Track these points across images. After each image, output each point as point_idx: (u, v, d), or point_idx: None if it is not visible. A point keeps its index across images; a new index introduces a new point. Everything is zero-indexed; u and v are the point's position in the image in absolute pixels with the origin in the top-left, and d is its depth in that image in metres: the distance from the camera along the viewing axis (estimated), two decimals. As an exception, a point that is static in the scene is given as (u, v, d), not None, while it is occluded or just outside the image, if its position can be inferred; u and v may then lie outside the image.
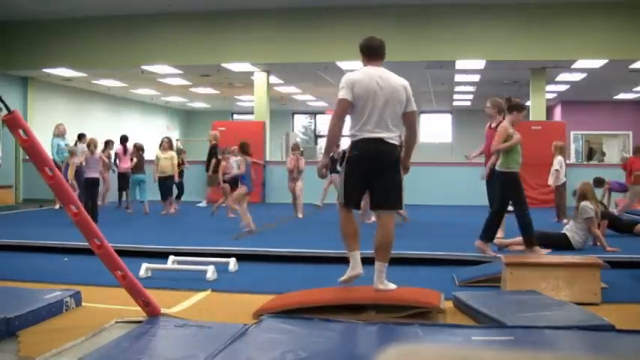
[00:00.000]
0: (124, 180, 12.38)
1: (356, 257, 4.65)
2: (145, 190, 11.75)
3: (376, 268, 4.53)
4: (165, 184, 11.34)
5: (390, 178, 4.54)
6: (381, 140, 4.46)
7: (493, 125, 8.26)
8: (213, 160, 12.24)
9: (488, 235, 6.53)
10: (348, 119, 4.64)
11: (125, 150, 12.55)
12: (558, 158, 10.01)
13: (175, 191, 12.10)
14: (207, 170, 12.57)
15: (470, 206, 8.64)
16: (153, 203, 11.49)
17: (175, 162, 11.52)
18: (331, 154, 5.00)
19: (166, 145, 11.57)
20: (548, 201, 11.39)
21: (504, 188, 6.55)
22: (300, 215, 10.70)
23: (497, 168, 6.63)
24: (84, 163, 10.16)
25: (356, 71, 4.66)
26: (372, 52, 4.71)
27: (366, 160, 4.47)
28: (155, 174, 11.35)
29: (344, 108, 4.48)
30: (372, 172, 4.49)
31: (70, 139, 13.01)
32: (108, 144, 12.90)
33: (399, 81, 4.64)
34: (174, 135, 25.05)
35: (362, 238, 4.79)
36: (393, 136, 4.51)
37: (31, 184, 14.45)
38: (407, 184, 13.44)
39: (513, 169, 6.51)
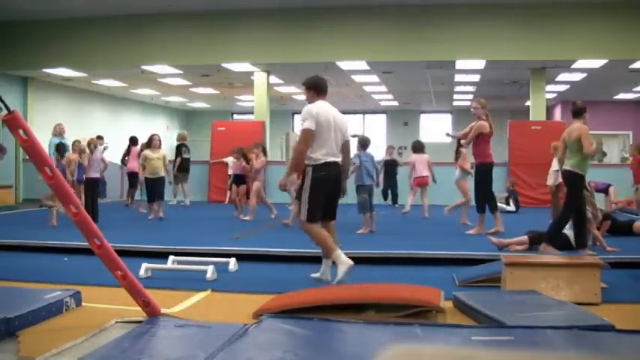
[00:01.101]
0: (133, 179, 12.52)
1: (341, 255, 5.28)
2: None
3: (327, 264, 5.44)
4: (157, 185, 10.57)
5: (339, 194, 5.55)
6: (338, 163, 5.42)
7: None
8: (178, 159, 12.96)
9: (582, 242, 6.54)
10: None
11: (130, 150, 12.85)
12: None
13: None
14: (173, 168, 12.79)
15: (470, 206, 8.65)
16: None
17: (167, 161, 10.91)
18: None
19: (157, 143, 10.83)
20: (548, 201, 11.38)
21: (578, 188, 6.60)
22: (248, 218, 10.21)
23: (572, 169, 6.57)
24: (85, 163, 10.14)
25: (315, 104, 5.44)
26: (320, 90, 5.57)
27: (331, 180, 5.36)
28: (141, 174, 10.77)
29: (310, 135, 5.28)
30: (333, 190, 5.42)
31: (70, 139, 13.01)
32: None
33: (343, 116, 5.64)
34: (174, 135, 25.08)
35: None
36: (341, 159, 5.50)
37: (31, 184, 14.45)
38: (407, 184, 13.44)
39: (584, 172, 6.59)
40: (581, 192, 6.70)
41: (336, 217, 5.62)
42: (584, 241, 6.65)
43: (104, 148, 14.36)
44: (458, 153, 9.58)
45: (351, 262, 5.22)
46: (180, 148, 13.34)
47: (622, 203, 11.67)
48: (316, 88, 5.54)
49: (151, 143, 10.76)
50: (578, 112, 6.77)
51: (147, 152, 10.71)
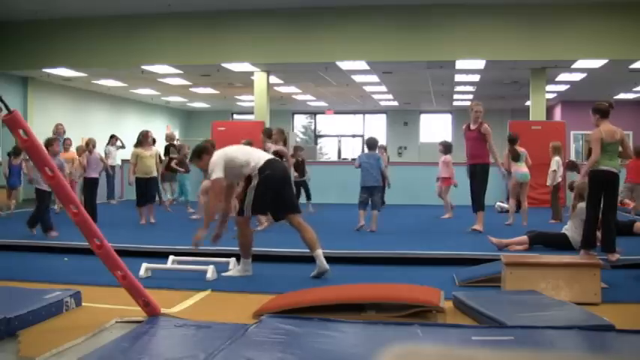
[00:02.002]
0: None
1: (248, 264, 5.79)
2: (187, 190, 12.03)
3: (318, 255, 5.63)
4: (149, 186, 9.65)
5: (290, 188, 5.93)
6: (277, 159, 5.91)
7: (473, 127, 8.46)
8: (166, 159, 12.60)
9: (611, 244, 6.37)
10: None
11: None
12: (555, 159, 10.05)
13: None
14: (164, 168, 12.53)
15: (470, 206, 8.64)
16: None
17: (158, 160, 10.10)
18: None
19: (151, 140, 9.92)
20: (548, 201, 11.38)
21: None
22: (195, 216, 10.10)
23: (617, 170, 6.42)
24: (85, 164, 10.13)
25: (215, 153, 5.69)
26: (213, 147, 5.93)
27: (278, 176, 5.66)
28: (131, 175, 9.74)
29: (221, 185, 5.57)
30: (282, 184, 5.70)
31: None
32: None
33: None
34: (175, 135, 25.06)
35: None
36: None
37: (31, 184, 14.43)
38: (407, 184, 13.50)
39: None
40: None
41: (299, 211, 5.81)
42: (591, 242, 6.60)
43: (118, 148, 14.55)
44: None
45: (249, 273, 5.73)
46: (168, 149, 13.10)
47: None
48: (213, 147, 5.91)
49: (146, 140, 9.73)
50: (608, 113, 6.50)
51: (138, 150, 9.65)
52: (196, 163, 5.92)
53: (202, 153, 5.82)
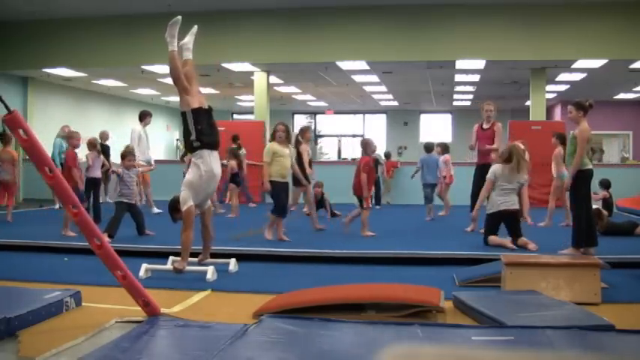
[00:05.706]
0: None
1: None
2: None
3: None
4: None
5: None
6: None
7: (487, 126, 8.43)
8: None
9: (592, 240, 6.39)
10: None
11: None
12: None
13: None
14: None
15: (469, 205, 8.64)
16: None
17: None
18: None
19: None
20: (547, 201, 11.36)
21: None
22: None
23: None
24: (91, 163, 10.00)
25: (182, 192, 5.58)
26: None
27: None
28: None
29: (192, 213, 5.55)
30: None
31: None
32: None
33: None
34: (175, 135, 25.06)
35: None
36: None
37: (31, 184, 14.45)
38: (406, 183, 13.44)
39: None
40: None
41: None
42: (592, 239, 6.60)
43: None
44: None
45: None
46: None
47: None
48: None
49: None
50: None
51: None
52: (178, 216, 5.73)
53: (176, 204, 5.69)
